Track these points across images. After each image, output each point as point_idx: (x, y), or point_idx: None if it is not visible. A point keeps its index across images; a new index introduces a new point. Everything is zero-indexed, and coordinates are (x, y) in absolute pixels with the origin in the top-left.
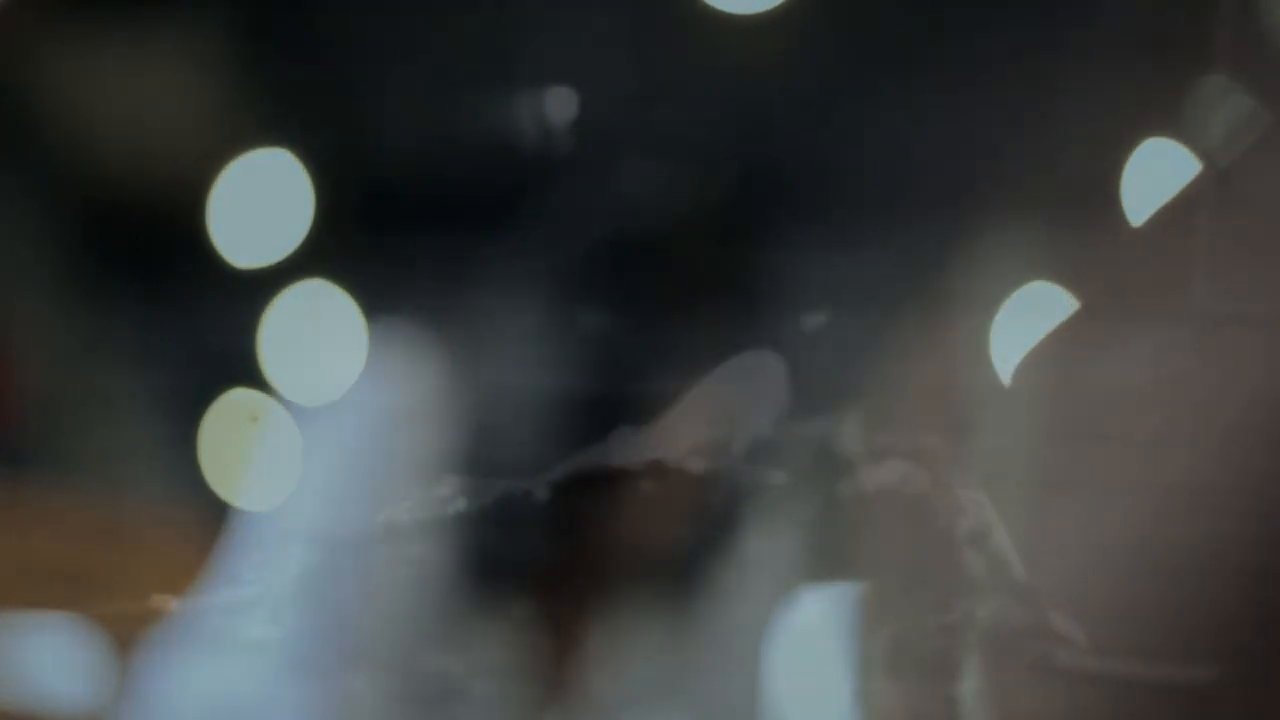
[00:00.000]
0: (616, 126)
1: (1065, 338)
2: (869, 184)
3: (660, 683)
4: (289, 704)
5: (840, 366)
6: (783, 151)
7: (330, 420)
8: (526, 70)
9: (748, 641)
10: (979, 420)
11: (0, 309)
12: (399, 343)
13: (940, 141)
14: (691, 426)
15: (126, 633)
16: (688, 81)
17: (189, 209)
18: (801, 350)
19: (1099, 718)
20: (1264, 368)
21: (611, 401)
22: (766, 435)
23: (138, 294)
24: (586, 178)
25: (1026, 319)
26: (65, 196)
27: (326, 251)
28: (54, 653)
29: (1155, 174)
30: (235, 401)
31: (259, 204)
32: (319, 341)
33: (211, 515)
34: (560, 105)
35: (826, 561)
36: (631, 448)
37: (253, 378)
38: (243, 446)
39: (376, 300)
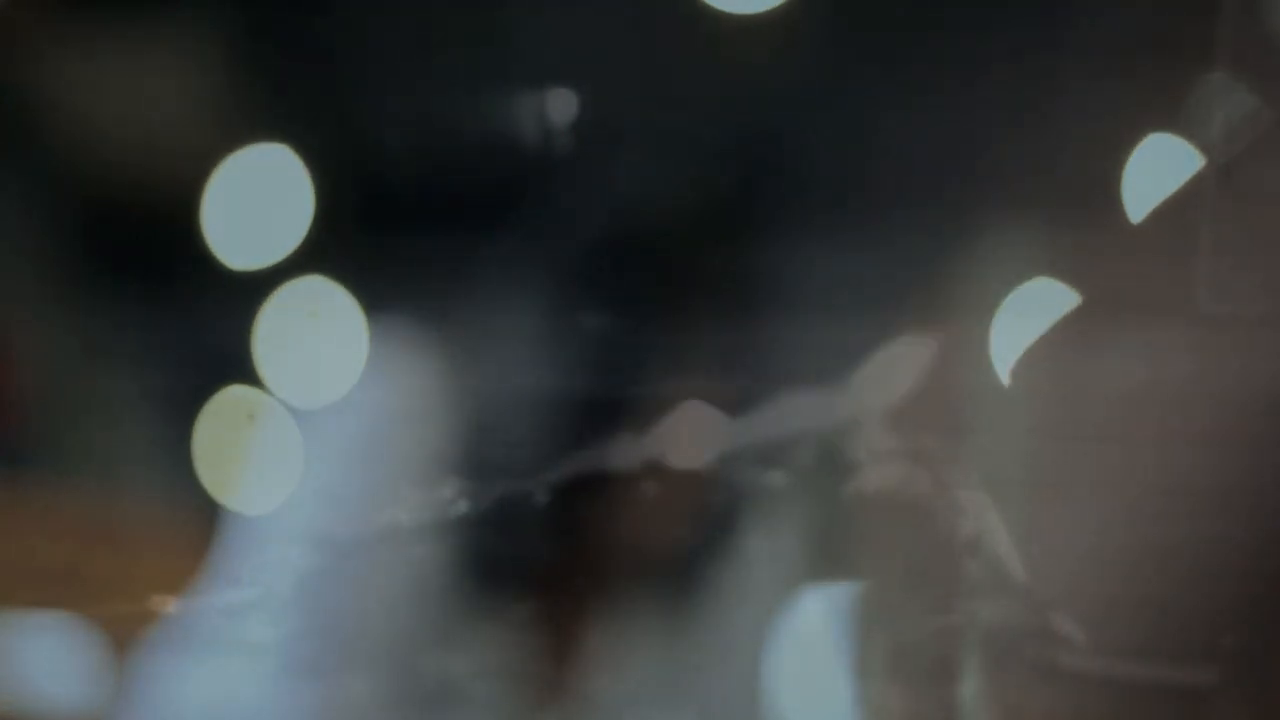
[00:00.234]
0: (616, 126)
1: (1064, 337)
2: (869, 183)
3: (660, 683)
4: (288, 705)
5: (840, 366)
6: (783, 151)
7: (330, 421)
8: (526, 70)
9: (748, 642)
10: (979, 420)
11: None
12: (399, 343)
13: (940, 141)
14: (692, 426)
15: (125, 634)
16: (688, 81)
17: (189, 208)
18: (801, 350)
19: (1099, 719)
20: (1264, 368)
21: (611, 402)
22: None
23: (137, 293)
24: (587, 177)
25: (1026, 318)
26: (65, 196)
27: (326, 252)
28: (52, 654)
29: (1155, 172)
30: (234, 402)
31: (259, 204)
32: (318, 342)
33: (210, 516)
34: (560, 105)
35: (827, 562)
36: (631, 449)
37: (252, 378)
38: (242, 447)
39: (376, 301)
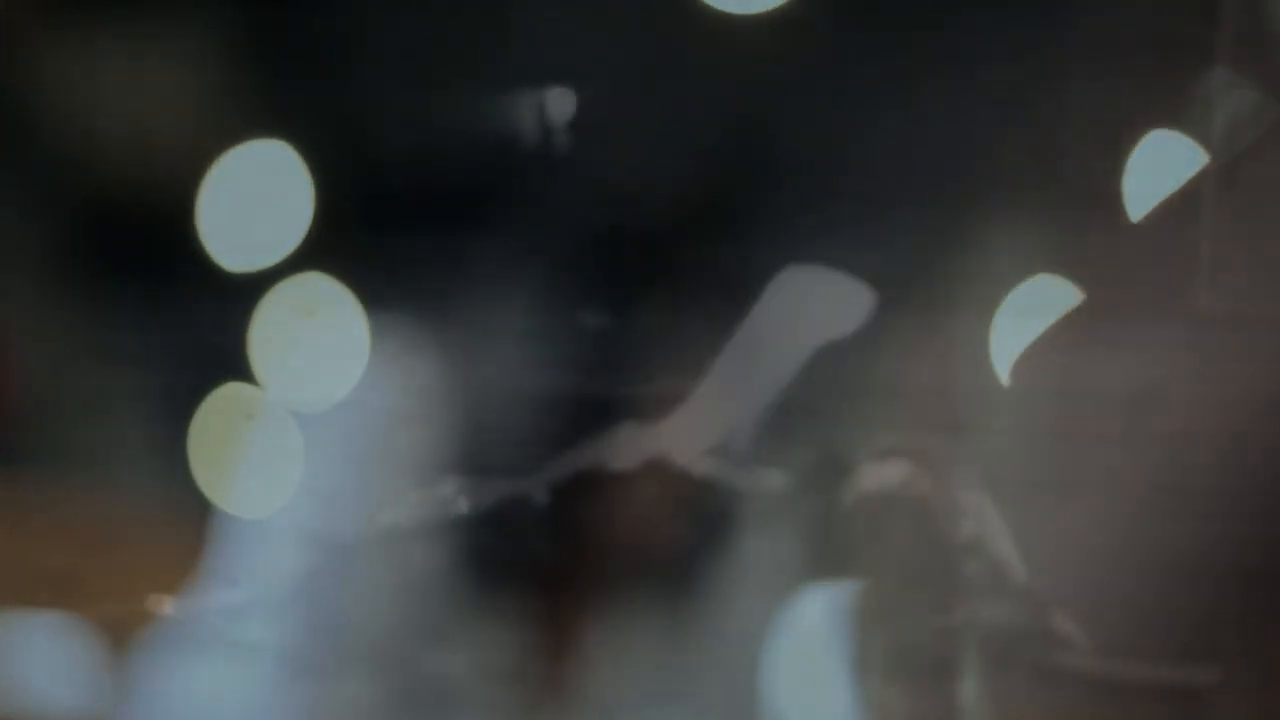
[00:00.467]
0: (616, 126)
1: (1064, 337)
2: (869, 182)
3: (660, 683)
4: (287, 705)
5: (840, 366)
6: (783, 150)
7: (329, 421)
8: (526, 69)
9: (747, 642)
10: (979, 420)
11: None
12: (397, 342)
13: (940, 139)
14: (691, 426)
15: (123, 634)
16: (687, 80)
17: (188, 207)
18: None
19: (1099, 719)
20: (1264, 368)
21: (610, 402)
22: (766, 436)
23: (136, 292)
24: (586, 177)
25: (1027, 317)
26: (64, 194)
27: (325, 250)
28: (50, 654)
29: (1156, 171)
30: (232, 401)
31: (258, 203)
32: (317, 341)
33: (208, 517)
34: (560, 104)
35: (826, 563)
36: (631, 448)
37: (250, 377)
38: (239, 447)
39: (375, 299)
